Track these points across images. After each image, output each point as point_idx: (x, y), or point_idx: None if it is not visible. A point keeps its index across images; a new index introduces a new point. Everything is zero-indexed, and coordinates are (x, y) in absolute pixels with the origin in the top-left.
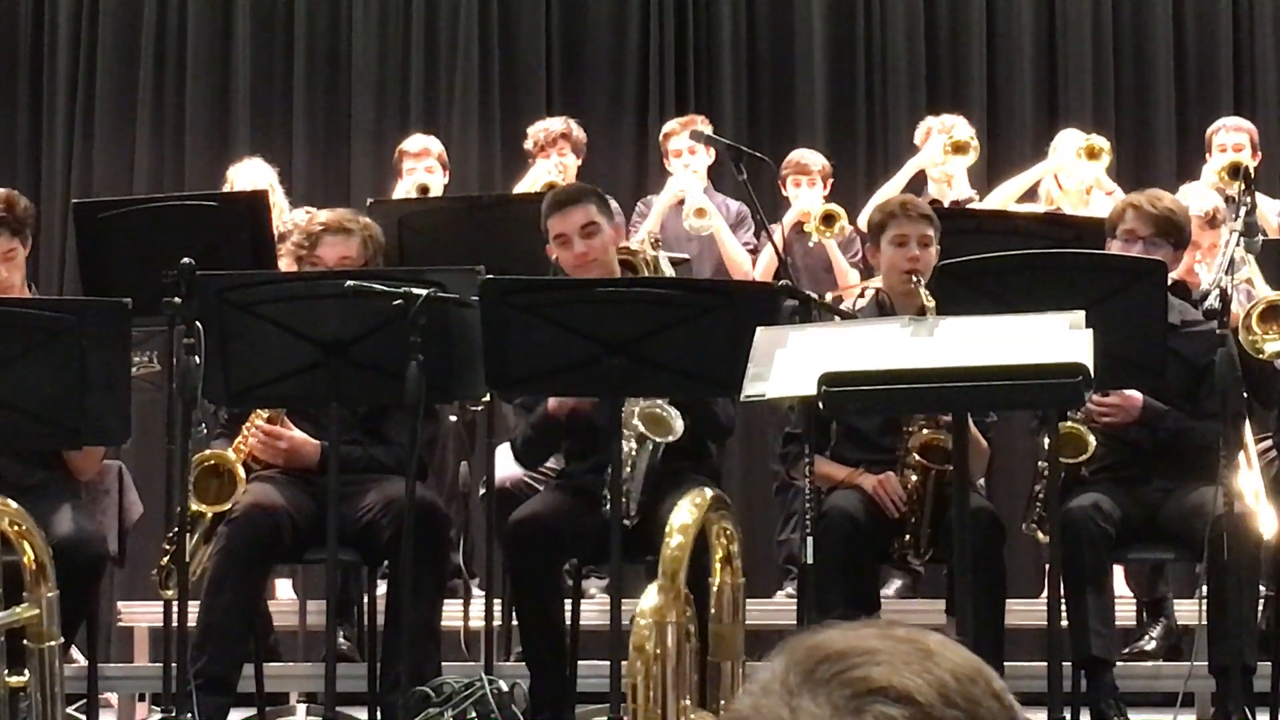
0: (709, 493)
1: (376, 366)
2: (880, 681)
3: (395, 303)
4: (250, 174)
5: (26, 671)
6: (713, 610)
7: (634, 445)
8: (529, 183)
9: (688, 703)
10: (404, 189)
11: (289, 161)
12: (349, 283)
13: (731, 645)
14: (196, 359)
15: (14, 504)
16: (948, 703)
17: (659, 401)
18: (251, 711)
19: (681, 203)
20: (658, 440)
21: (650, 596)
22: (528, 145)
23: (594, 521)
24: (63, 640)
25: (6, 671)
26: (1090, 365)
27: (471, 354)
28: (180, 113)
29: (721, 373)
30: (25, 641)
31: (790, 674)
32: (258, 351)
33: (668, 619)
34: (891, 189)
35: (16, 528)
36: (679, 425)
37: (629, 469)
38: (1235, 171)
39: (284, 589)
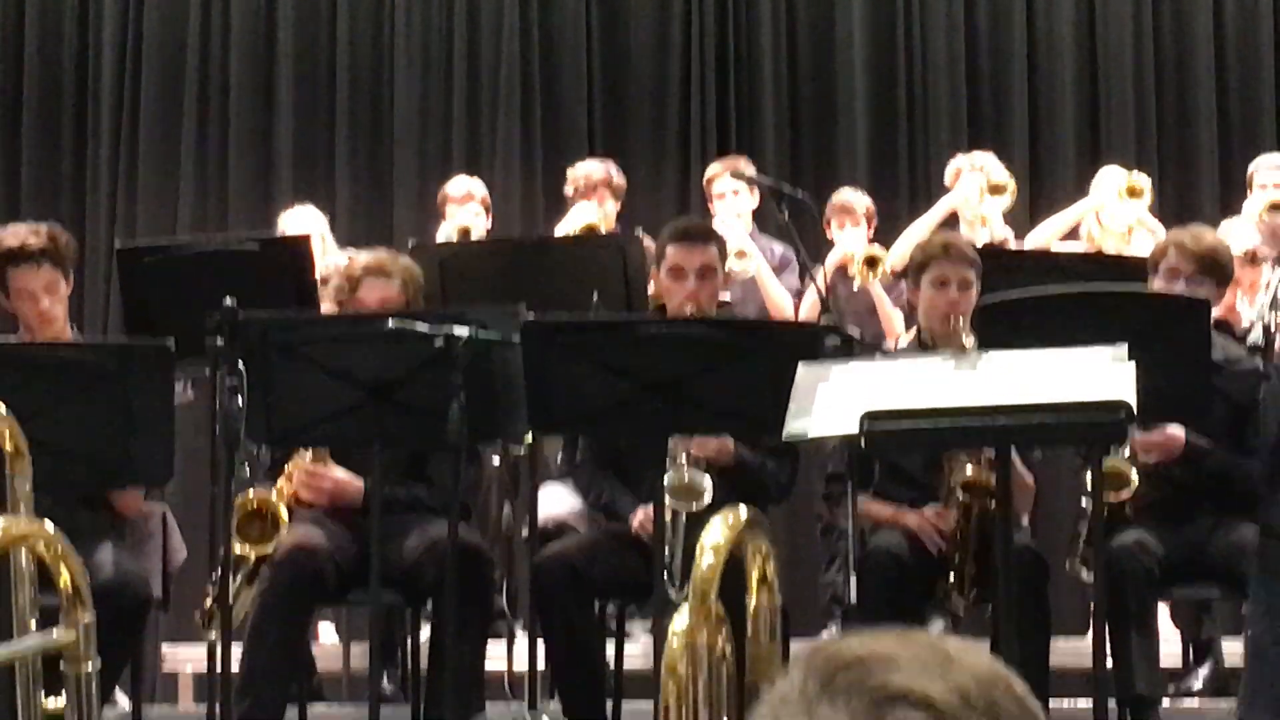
0: (743, 512)
1: (419, 408)
2: (900, 687)
3: (437, 344)
4: (301, 220)
5: (64, 695)
6: (750, 632)
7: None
8: (569, 224)
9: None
10: (446, 232)
11: (332, 205)
12: (391, 323)
13: (769, 667)
14: (240, 400)
15: (51, 527)
16: (968, 706)
17: (684, 467)
18: None
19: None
20: (688, 510)
21: (682, 617)
22: (568, 190)
23: (632, 563)
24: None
25: (44, 695)
26: (1133, 400)
27: (514, 395)
28: (223, 156)
29: (764, 413)
30: (62, 666)
31: (809, 682)
32: (300, 393)
33: (699, 639)
34: (921, 229)
35: (52, 551)
36: (707, 486)
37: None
38: (1277, 208)
39: (327, 632)
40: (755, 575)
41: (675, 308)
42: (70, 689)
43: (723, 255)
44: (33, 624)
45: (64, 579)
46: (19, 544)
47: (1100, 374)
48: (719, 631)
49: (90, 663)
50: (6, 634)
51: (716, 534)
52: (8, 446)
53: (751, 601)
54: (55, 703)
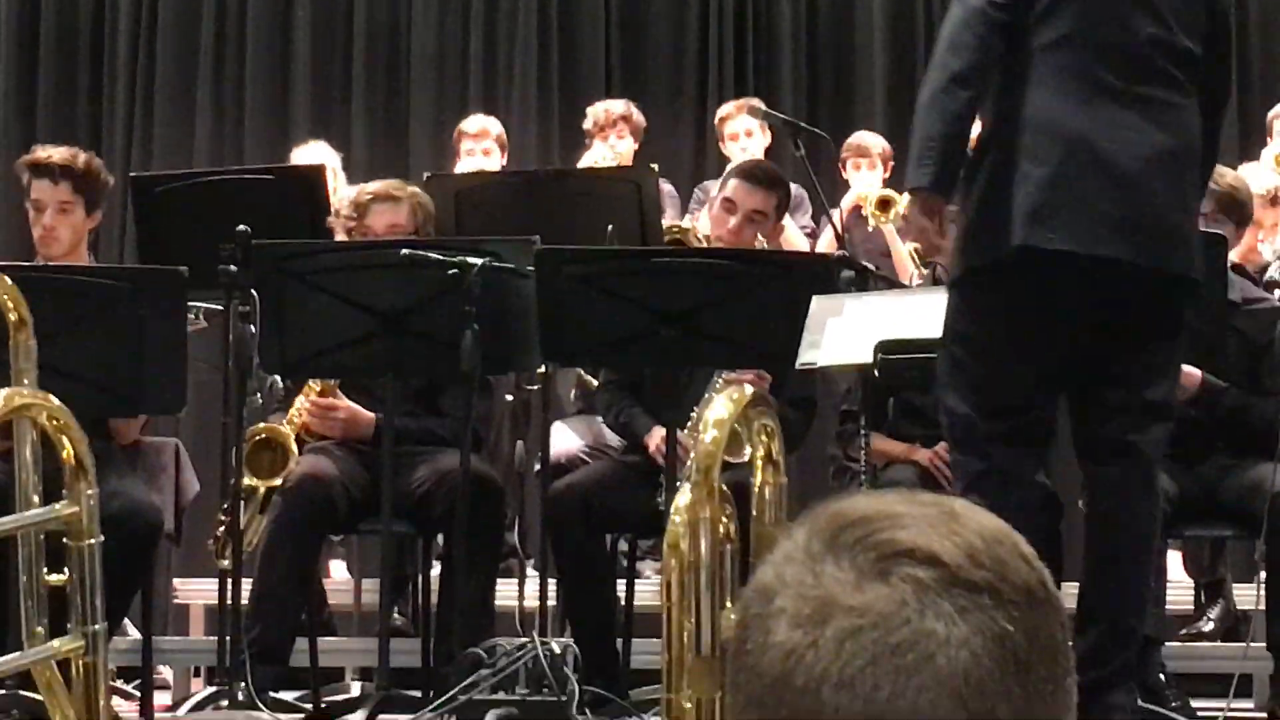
0: (748, 388)
1: (432, 337)
2: (906, 544)
3: (450, 272)
4: (314, 157)
5: (66, 570)
6: (755, 511)
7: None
8: (586, 165)
9: (729, 603)
10: (462, 170)
11: (348, 143)
12: (405, 251)
13: (774, 547)
14: (252, 328)
15: (54, 399)
16: (975, 564)
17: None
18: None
19: None
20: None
21: (684, 494)
22: (587, 125)
23: (644, 494)
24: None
25: (46, 571)
26: None
27: (527, 325)
28: (240, 95)
29: (778, 345)
30: (65, 540)
31: (813, 541)
32: (313, 321)
33: (701, 516)
34: None
35: (55, 422)
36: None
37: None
38: None
39: (338, 569)
40: (760, 454)
41: (712, 238)
42: (73, 563)
43: (782, 209)
44: (36, 498)
45: (67, 451)
46: (22, 415)
47: None
48: (722, 510)
49: (94, 539)
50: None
51: (720, 410)
52: (11, 315)
53: (756, 480)
54: (56, 579)
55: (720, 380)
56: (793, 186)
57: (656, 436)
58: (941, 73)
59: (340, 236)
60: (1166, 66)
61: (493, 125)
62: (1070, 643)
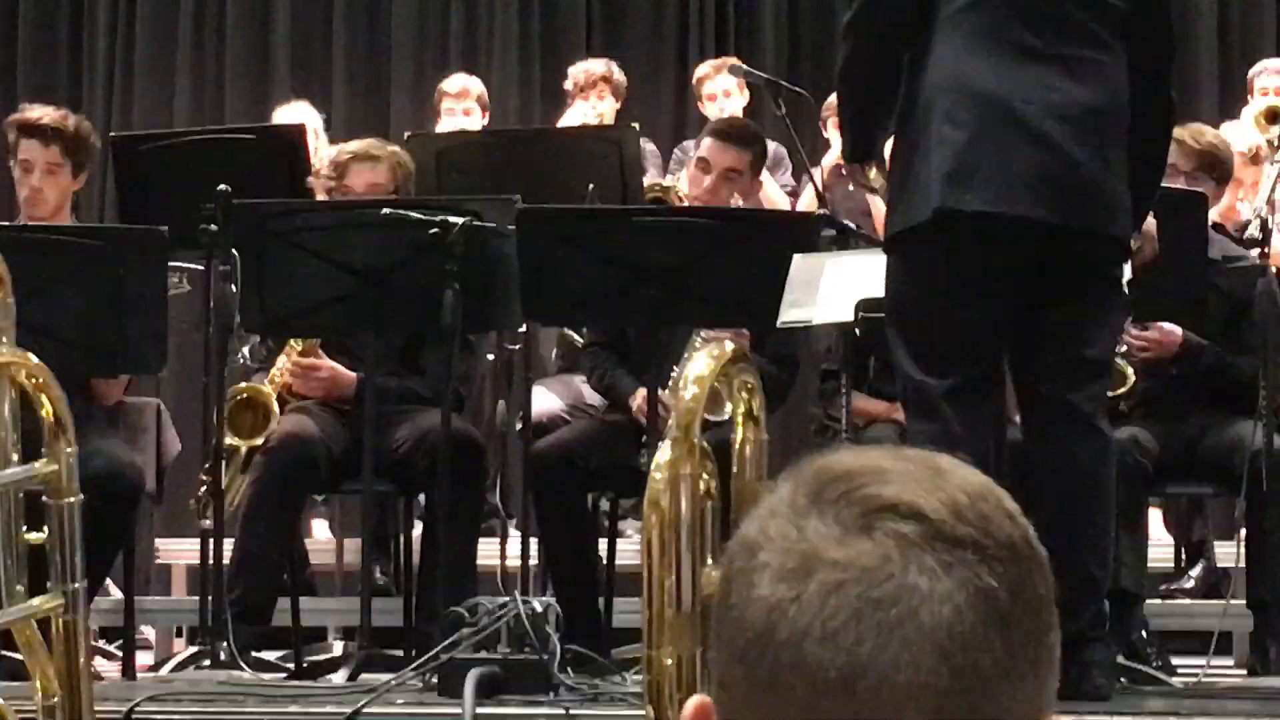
0: (728, 345)
1: (413, 295)
2: (890, 499)
3: (432, 231)
4: (295, 117)
5: (46, 529)
6: (735, 468)
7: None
8: (567, 123)
9: (710, 560)
10: (443, 130)
11: (329, 102)
12: (386, 210)
13: (755, 503)
14: (233, 287)
15: (33, 357)
16: (959, 519)
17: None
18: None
19: None
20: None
21: (665, 450)
22: (568, 85)
23: (626, 452)
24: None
25: (25, 529)
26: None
27: (508, 284)
28: (220, 54)
29: (759, 303)
30: (44, 498)
31: (798, 496)
32: (294, 280)
33: (682, 473)
34: None
35: (34, 380)
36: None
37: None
38: (1274, 116)
39: (320, 529)
40: (741, 410)
41: (685, 196)
42: (53, 521)
43: (756, 166)
44: (15, 456)
45: (46, 409)
46: (2, 373)
47: None
48: (703, 467)
49: (74, 497)
50: None
51: (700, 366)
52: None
53: (737, 436)
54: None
55: (700, 339)
56: (773, 145)
57: (639, 397)
58: (850, 45)
59: (320, 196)
60: (1088, 23)
61: (474, 85)
62: (1054, 599)
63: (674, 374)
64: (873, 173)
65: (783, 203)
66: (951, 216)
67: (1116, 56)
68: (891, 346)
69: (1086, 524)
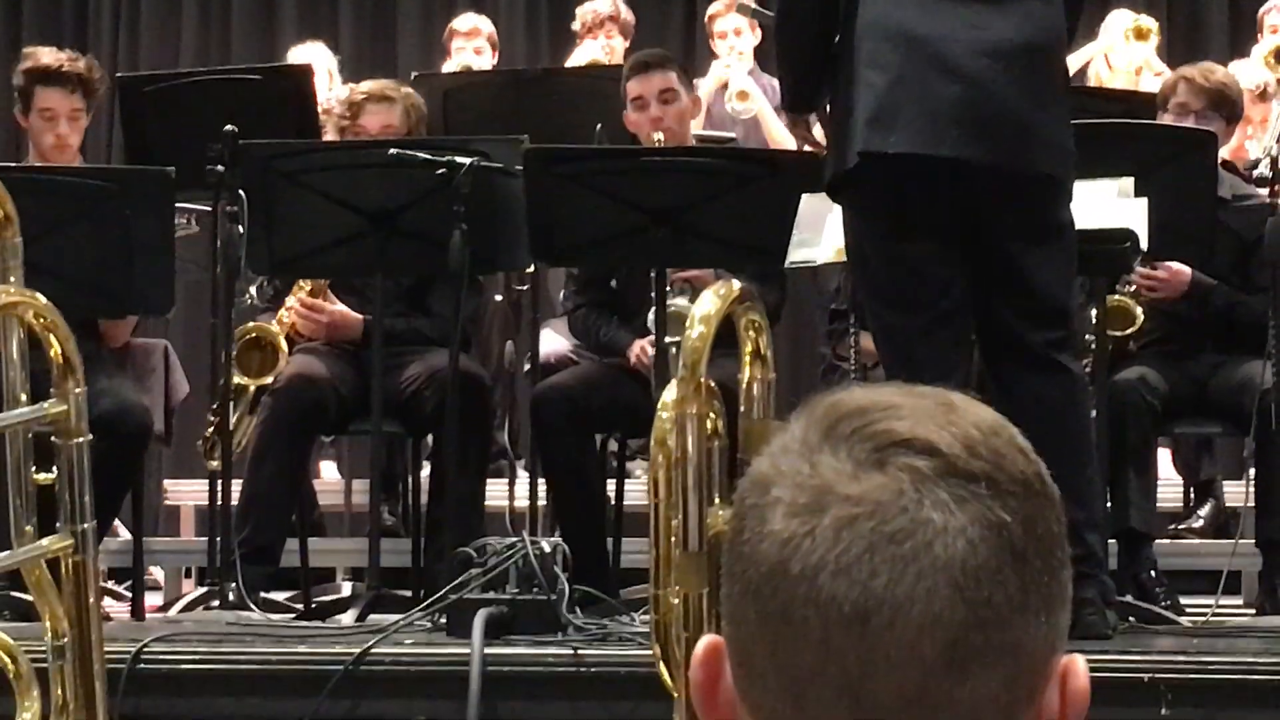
0: (735, 284)
1: (421, 236)
2: (903, 434)
3: (439, 172)
4: (310, 57)
5: (55, 469)
6: (742, 407)
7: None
8: (575, 62)
9: (717, 499)
10: (451, 69)
11: (336, 41)
12: (393, 151)
13: (763, 442)
14: (240, 228)
15: (41, 297)
16: (972, 454)
17: (678, 301)
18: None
19: (725, 86)
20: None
21: (671, 390)
22: (575, 26)
23: (631, 394)
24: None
25: (35, 469)
26: (1143, 233)
27: (515, 224)
28: None
29: (767, 242)
30: (53, 439)
31: (810, 432)
32: (302, 221)
33: (689, 412)
34: None
35: (42, 320)
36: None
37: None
38: None
39: (329, 469)
40: (748, 349)
41: (645, 139)
42: (61, 461)
43: (685, 79)
44: (23, 396)
45: (55, 350)
46: (8, 313)
47: (1106, 205)
48: (710, 405)
49: (82, 437)
50: None
51: (707, 305)
52: None
53: (744, 376)
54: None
55: (672, 283)
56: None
57: (636, 348)
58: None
59: (331, 135)
60: None
61: (484, 24)
62: (1065, 536)
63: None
64: (815, 126)
65: (788, 141)
66: (875, 160)
67: None
68: (859, 290)
69: (1056, 465)
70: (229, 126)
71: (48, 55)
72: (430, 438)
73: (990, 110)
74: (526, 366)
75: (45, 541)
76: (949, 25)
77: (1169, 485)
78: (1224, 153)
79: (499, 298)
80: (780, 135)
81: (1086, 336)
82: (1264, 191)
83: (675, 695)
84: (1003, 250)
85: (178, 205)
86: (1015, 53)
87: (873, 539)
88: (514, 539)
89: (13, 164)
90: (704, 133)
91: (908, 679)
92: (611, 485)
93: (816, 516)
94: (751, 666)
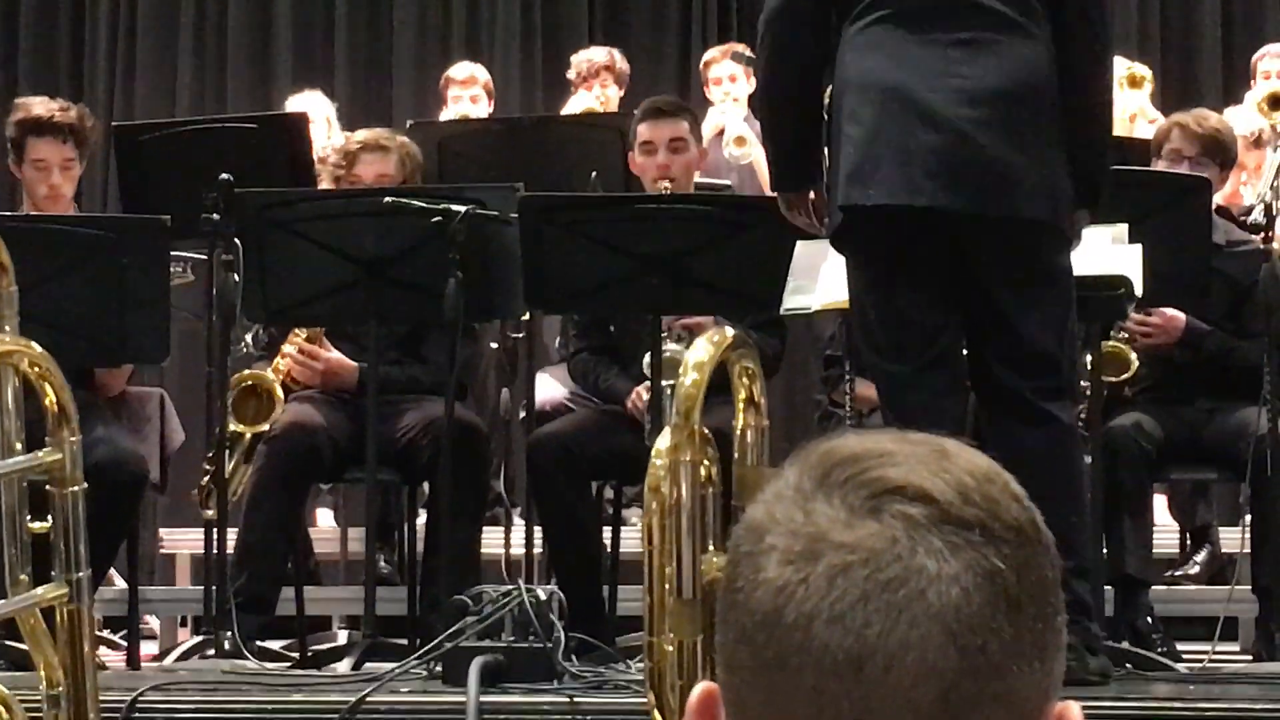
0: (729, 331)
1: (415, 285)
2: (897, 481)
3: (434, 220)
4: (308, 105)
5: (49, 518)
6: (736, 454)
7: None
8: (570, 111)
9: (711, 547)
10: (448, 117)
11: (331, 89)
12: (388, 199)
13: (757, 489)
14: (235, 276)
15: (37, 346)
16: (966, 501)
17: (673, 346)
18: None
19: (722, 132)
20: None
21: (665, 437)
22: (571, 75)
23: (626, 441)
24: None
25: (30, 518)
26: (1138, 279)
27: (510, 272)
28: (222, 41)
29: (762, 289)
30: (48, 487)
31: (804, 479)
32: (296, 269)
33: (682, 459)
34: None
35: (37, 369)
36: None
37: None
38: (1276, 101)
39: (325, 517)
40: (742, 396)
41: (650, 184)
42: (56, 510)
43: (695, 130)
44: (18, 445)
45: (50, 398)
46: (3, 362)
47: (1100, 252)
48: (703, 452)
49: (77, 486)
50: None
51: (701, 352)
52: None
53: (738, 423)
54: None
55: (669, 328)
56: None
57: (633, 395)
58: (759, 81)
59: (326, 184)
60: (996, 6)
61: (480, 72)
62: (1060, 583)
63: (644, 366)
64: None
65: None
66: (856, 213)
67: (1030, 37)
68: (858, 338)
69: (1045, 514)
70: (224, 175)
71: (39, 106)
72: (426, 486)
73: (968, 158)
74: (522, 414)
75: (40, 590)
76: (924, 74)
77: (1165, 531)
78: (1218, 199)
79: (494, 345)
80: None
81: (1081, 383)
82: (1258, 237)
83: None
84: (990, 297)
85: (173, 253)
86: (993, 98)
87: (866, 587)
88: (510, 587)
89: (8, 213)
90: (700, 179)
91: None
92: (608, 532)
93: (810, 564)
94: (746, 713)
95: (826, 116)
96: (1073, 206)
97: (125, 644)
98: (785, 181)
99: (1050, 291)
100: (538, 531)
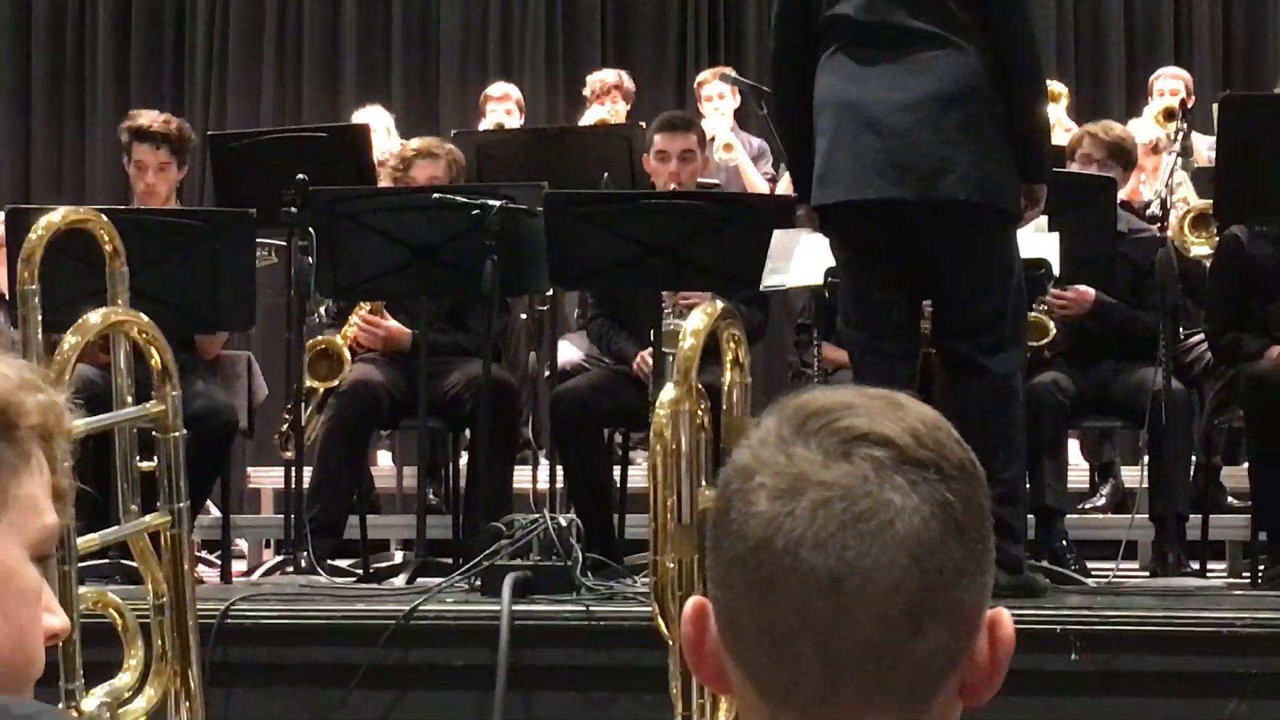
0: (719, 303)
1: (458, 266)
2: (862, 428)
3: (474, 212)
4: (371, 117)
5: (155, 458)
6: (724, 406)
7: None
8: (586, 123)
9: (704, 482)
10: (486, 127)
11: (388, 103)
12: (435, 195)
13: (742, 435)
14: (309, 259)
15: (145, 316)
16: (920, 444)
17: (674, 318)
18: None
19: (712, 139)
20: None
21: (668, 391)
22: (586, 91)
23: (633, 396)
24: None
25: (139, 459)
26: (1056, 262)
27: (537, 255)
28: (298, 63)
29: (746, 271)
30: (154, 433)
31: (783, 427)
32: (360, 254)
33: (682, 409)
34: None
35: (145, 335)
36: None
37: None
38: (1170, 114)
39: (384, 458)
40: (729, 357)
41: (661, 186)
42: (161, 451)
43: (701, 143)
44: (129, 398)
45: (155, 360)
46: (119, 329)
47: (1025, 239)
48: (699, 404)
49: (179, 431)
50: (108, 408)
51: (696, 321)
52: (107, 246)
53: (726, 379)
54: (147, 465)
55: (670, 305)
56: (756, 140)
57: (639, 357)
58: (773, 67)
59: (386, 183)
60: (928, 28)
61: (513, 90)
62: (990, 509)
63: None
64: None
65: (763, 187)
66: (823, 211)
67: (962, 50)
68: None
69: (982, 452)
70: (301, 175)
71: (144, 117)
72: (467, 432)
73: (907, 155)
74: (547, 373)
75: (148, 518)
76: (872, 89)
77: (1077, 470)
78: (1122, 195)
79: (524, 316)
80: (756, 181)
81: None
82: (1155, 227)
83: (670, 644)
84: (934, 272)
85: (258, 240)
86: (926, 103)
87: (844, 518)
88: (536, 515)
89: (122, 207)
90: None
91: (873, 634)
92: (617, 471)
93: (795, 499)
94: (737, 625)
95: None
96: (1021, 185)
97: (219, 562)
98: (798, 193)
99: (991, 263)
100: (559, 470)
